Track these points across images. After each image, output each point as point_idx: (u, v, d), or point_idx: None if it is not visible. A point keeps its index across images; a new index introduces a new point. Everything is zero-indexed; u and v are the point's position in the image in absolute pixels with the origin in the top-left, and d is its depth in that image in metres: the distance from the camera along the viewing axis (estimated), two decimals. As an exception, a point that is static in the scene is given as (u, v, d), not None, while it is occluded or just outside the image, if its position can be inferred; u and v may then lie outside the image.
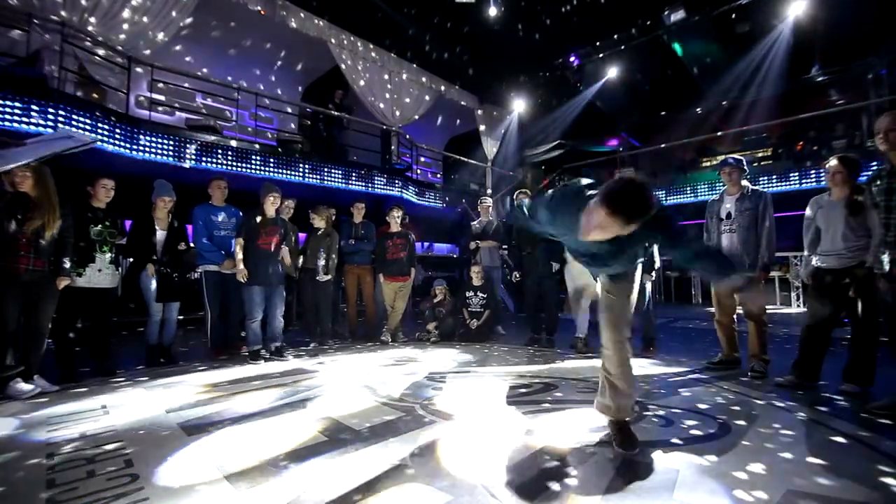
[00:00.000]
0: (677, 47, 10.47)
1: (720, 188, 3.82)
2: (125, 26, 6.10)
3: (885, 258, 2.49)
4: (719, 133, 11.05)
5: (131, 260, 4.02)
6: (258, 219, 4.19)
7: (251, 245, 4.11)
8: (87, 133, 2.93)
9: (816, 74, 10.94)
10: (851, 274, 2.86)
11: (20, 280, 2.87)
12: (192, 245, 4.29)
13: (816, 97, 10.88)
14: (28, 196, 2.91)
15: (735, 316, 3.71)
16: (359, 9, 8.60)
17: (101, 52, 6.00)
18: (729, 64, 10.58)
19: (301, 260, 5.06)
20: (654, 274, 4.27)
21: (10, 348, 2.84)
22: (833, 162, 3.04)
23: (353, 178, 8.28)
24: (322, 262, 4.93)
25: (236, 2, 7.22)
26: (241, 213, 4.45)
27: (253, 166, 6.96)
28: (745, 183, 3.59)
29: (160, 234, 3.96)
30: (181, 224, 4.15)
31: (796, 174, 8.79)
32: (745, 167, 3.61)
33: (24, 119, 4.75)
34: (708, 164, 12.46)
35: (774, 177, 9.00)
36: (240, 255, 4.04)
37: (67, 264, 3.13)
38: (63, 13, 5.42)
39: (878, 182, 2.59)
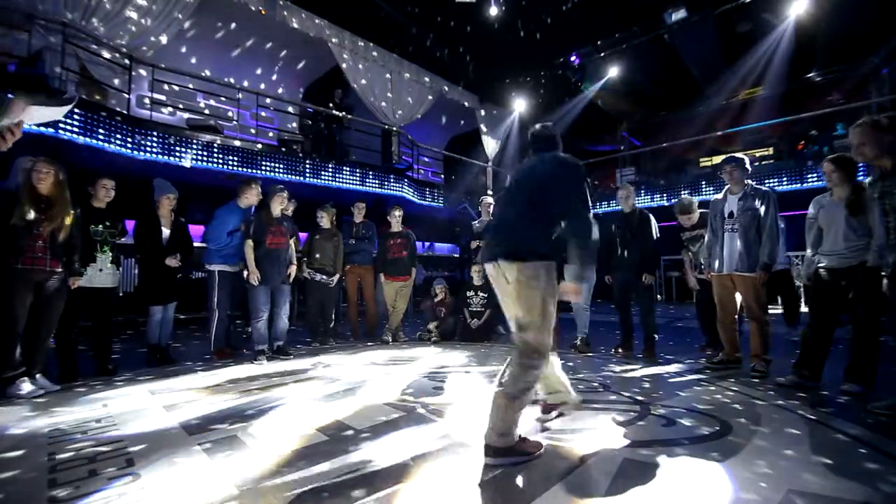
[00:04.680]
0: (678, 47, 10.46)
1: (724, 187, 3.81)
2: (128, 27, 6.11)
3: (892, 259, 2.48)
4: (720, 132, 11.04)
5: (138, 258, 4.03)
6: (265, 218, 4.19)
7: (261, 245, 4.11)
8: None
9: (818, 73, 10.92)
10: (853, 274, 2.85)
11: (34, 280, 2.90)
12: (194, 245, 4.31)
13: (818, 96, 10.86)
14: (46, 197, 2.95)
15: (736, 315, 3.71)
16: (360, 8, 8.60)
17: (103, 52, 6.01)
18: (730, 63, 10.57)
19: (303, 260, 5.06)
20: (655, 273, 4.26)
21: (18, 348, 2.86)
22: (826, 163, 3.04)
23: (354, 178, 8.29)
24: (319, 277, 4.94)
25: (238, 2, 7.23)
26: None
27: (254, 166, 6.97)
28: (748, 182, 3.57)
29: (165, 232, 3.98)
30: (185, 222, 4.17)
31: (797, 174, 8.78)
32: (748, 166, 3.59)
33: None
34: (709, 163, 12.45)
35: (776, 176, 8.99)
36: (251, 256, 4.04)
37: (78, 264, 3.19)
38: (68, 14, 5.43)
39: (874, 185, 2.60)
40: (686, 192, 10.18)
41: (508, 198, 2.21)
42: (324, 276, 4.96)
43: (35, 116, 2.47)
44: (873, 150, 2.52)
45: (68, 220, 3.06)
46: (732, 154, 3.69)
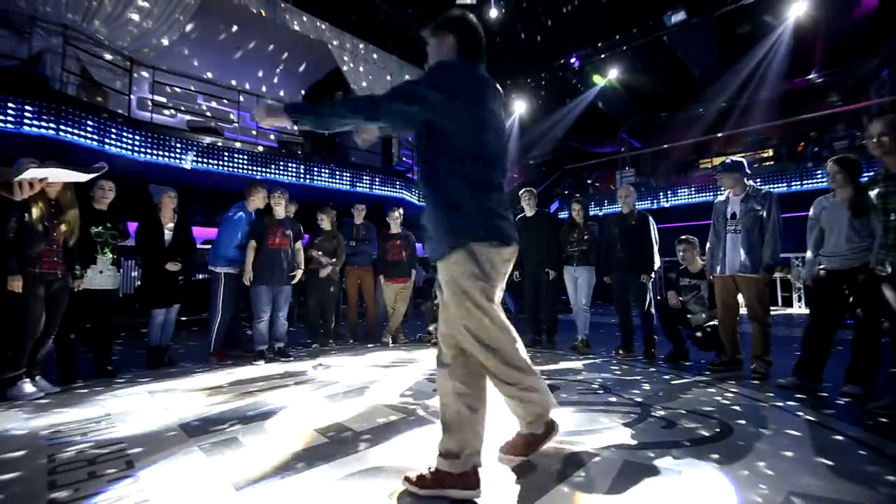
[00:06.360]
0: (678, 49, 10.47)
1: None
2: (129, 29, 6.13)
3: (887, 261, 2.48)
4: (720, 134, 11.05)
5: (139, 261, 4.03)
6: (266, 219, 4.20)
7: (262, 246, 4.11)
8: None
9: (817, 75, 10.94)
10: (855, 275, 2.85)
11: (45, 283, 2.93)
12: (197, 246, 4.31)
13: (817, 98, 10.87)
14: (55, 201, 2.99)
15: (737, 317, 3.70)
16: (360, 11, 8.63)
17: (104, 54, 6.03)
18: (730, 65, 10.59)
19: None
20: (653, 274, 4.25)
21: (27, 350, 2.86)
22: (830, 164, 3.04)
23: (354, 180, 8.30)
24: (322, 259, 4.94)
25: (238, 4, 7.25)
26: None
27: (255, 167, 6.98)
28: (749, 183, 3.57)
29: (168, 235, 3.99)
30: (187, 222, 4.18)
31: (797, 175, 8.78)
32: (746, 168, 3.59)
33: (26, 120, 4.76)
34: (709, 164, 12.46)
35: (776, 178, 8.99)
36: (250, 257, 4.04)
37: (78, 267, 3.21)
38: (69, 15, 5.45)
39: (875, 186, 2.60)
40: (686, 192, 10.19)
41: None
42: (325, 258, 4.94)
43: (60, 175, 2.52)
44: (894, 143, 2.51)
45: (78, 224, 3.11)
46: (728, 158, 3.69)
